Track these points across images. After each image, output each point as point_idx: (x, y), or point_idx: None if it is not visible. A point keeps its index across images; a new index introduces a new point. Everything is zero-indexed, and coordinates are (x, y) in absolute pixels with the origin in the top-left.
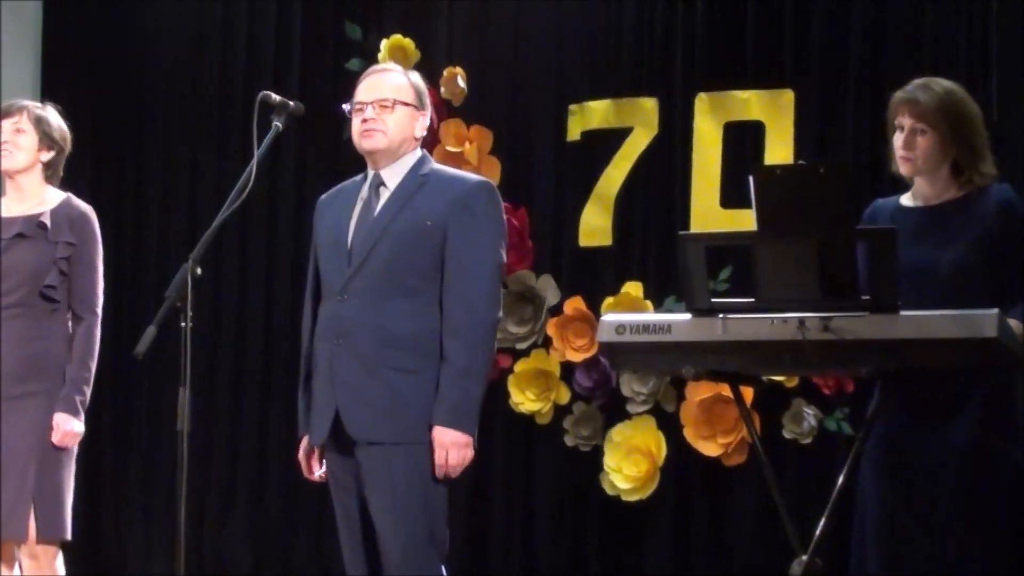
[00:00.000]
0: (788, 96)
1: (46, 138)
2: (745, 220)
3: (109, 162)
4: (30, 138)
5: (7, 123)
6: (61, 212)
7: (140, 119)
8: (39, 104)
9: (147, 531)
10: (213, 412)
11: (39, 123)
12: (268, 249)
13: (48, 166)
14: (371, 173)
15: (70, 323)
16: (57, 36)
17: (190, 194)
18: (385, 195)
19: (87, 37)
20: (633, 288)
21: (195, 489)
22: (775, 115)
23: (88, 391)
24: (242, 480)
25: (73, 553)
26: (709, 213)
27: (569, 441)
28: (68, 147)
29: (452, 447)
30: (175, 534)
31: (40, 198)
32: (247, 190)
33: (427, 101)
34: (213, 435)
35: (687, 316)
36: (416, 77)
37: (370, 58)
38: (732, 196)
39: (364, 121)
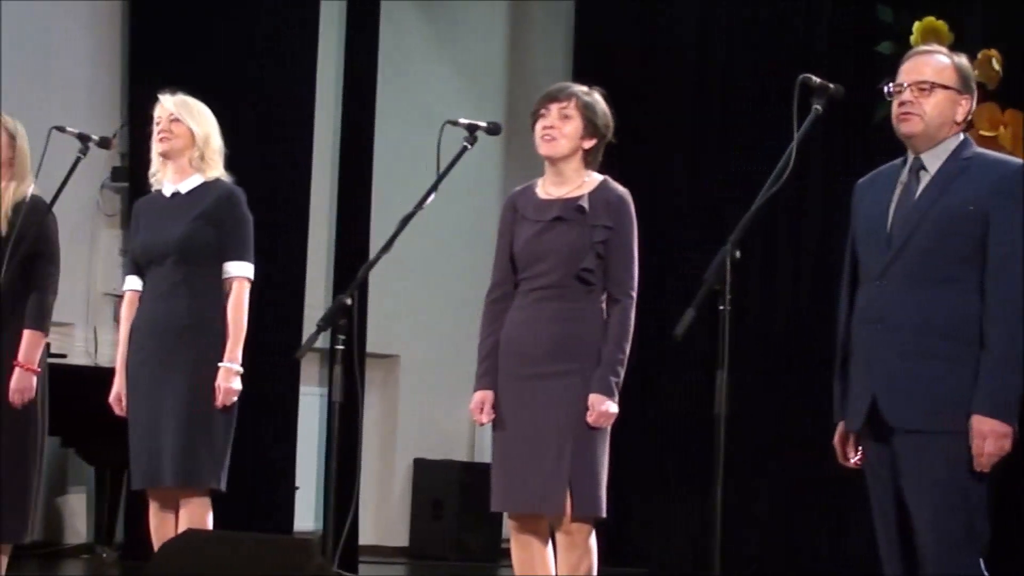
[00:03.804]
0: None
1: (590, 125)
2: None
3: (640, 145)
4: (574, 125)
5: (555, 107)
6: (599, 195)
7: (668, 104)
8: (587, 90)
9: (673, 515)
10: (740, 395)
11: (586, 110)
12: (795, 232)
13: (589, 153)
14: (910, 157)
15: (603, 305)
16: (587, 33)
17: (720, 177)
18: (925, 179)
19: (615, 32)
20: None
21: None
22: None
23: (622, 373)
24: (766, 466)
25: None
26: None
27: None
28: (611, 135)
29: (991, 436)
30: (711, 519)
31: (579, 182)
32: (787, 173)
33: (972, 85)
34: (741, 419)
35: None
36: (962, 60)
37: (901, 41)
38: None
39: (901, 104)
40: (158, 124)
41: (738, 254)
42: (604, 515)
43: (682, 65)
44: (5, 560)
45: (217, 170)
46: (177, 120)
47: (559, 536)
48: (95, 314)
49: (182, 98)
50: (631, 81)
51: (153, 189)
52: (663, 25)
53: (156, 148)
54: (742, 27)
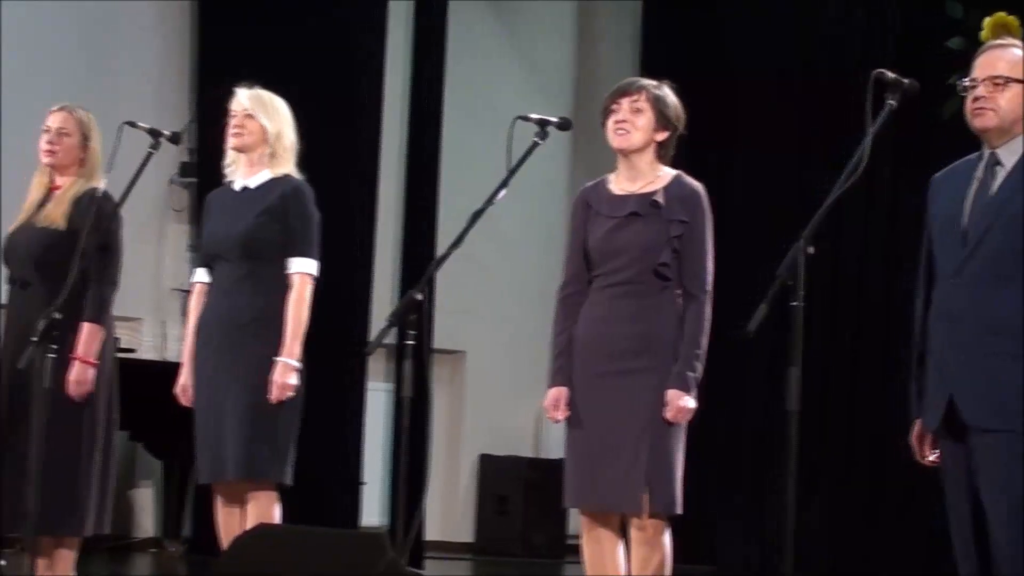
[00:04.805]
0: None
1: (662, 118)
2: None
3: (704, 145)
4: (647, 117)
5: (626, 101)
6: (673, 190)
7: (737, 101)
8: (656, 83)
9: (740, 513)
10: (811, 393)
11: (657, 103)
12: (863, 227)
13: (661, 146)
14: (986, 152)
15: (679, 301)
16: (655, 30)
17: (789, 173)
18: (1001, 174)
19: (683, 29)
20: None
21: (782, 473)
22: None
23: (700, 368)
24: (826, 464)
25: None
26: None
27: None
28: (682, 127)
29: None
30: (782, 518)
31: (652, 177)
32: (860, 169)
33: None
34: (810, 417)
35: None
36: None
37: (971, 36)
38: None
39: (975, 99)
40: (233, 118)
41: (811, 250)
42: (680, 512)
43: (751, 62)
44: (72, 554)
45: (287, 167)
46: (251, 116)
47: (633, 532)
48: (163, 309)
49: (257, 93)
50: (699, 78)
51: (225, 181)
52: (731, 22)
53: (229, 142)
54: (810, 24)
